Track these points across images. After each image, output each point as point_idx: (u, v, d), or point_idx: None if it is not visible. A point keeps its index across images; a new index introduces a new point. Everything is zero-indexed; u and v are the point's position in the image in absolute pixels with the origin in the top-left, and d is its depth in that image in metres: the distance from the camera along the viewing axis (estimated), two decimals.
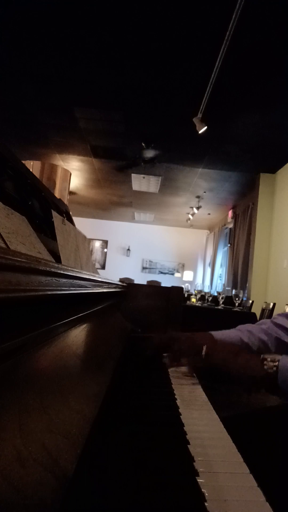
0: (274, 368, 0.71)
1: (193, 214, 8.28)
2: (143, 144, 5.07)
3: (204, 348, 0.82)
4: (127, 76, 3.58)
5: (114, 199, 8.46)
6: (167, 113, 4.26)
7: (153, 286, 2.13)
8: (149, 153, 5.22)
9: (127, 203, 8.72)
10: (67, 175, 5.52)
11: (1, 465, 0.27)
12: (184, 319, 1.82)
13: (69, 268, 0.57)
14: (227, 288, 7.20)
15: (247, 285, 6.07)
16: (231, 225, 7.80)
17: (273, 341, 0.96)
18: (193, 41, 3.00)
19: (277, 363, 0.71)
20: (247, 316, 3.21)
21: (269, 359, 0.72)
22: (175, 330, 1.47)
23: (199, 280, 10.29)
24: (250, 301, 4.30)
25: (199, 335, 0.95)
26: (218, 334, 0.97)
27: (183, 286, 2.45)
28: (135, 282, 6.16)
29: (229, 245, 7.93)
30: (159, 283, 9.01)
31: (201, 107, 3.76)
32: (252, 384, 0.74)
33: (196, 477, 0.42)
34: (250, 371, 0.74)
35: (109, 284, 1.09)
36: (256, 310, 4.06)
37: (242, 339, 0.96)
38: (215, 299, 3.66)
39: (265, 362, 0.72)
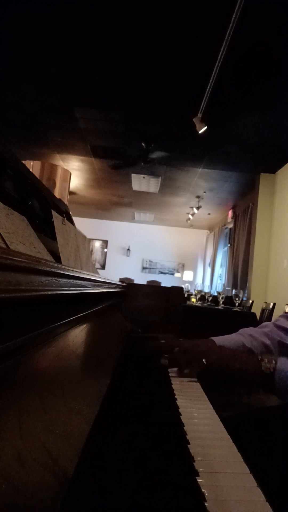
0: (272, 369, 0.74)
1: (193, 214, 8.28)
2: (143, 144, 5.07)
3: (204, 360, 0.84)
4: (127, 76, 3.58)
5: (114, 199, 8.46)
6: (167, 113, 4.26)
7: (153, 286, 2.13)
8: (149, 153, 5.22)
9: (127, 203, 8.71)
10: (67, 175, 5.51)
11: (1, 465, 0.27)
12: (184, 319, 1.82)
13: (69, 268, 0.57)
14: (227, 288, 7.20)
15: (247, 285, 6.07)
16: (231, 225, 7.80)
17: (276, 345, 0.96)
18: (193, 41, 3.00)
19: (274, 365, 0.75)
20: (247, 316, 3.21)
21: (266, 361, 0.76)
22: (175, 336, 1.47)
23: (199, 280, 10.29)
24: (250, 301, 4.30)
25: (200, 343, 0.93)
26: (220, 340, 0.96)
27: (183, 286, 2.45)
28: (135, 282, 6.17)
29: (229, 245, 7.93)
30: (159, 283, 9.02)
31: (201, 107, 3.76)
32: (251, 385, 0.77)
33: (196, 477, 0.42)
34: (249, 373, 0.77)
35: (109, 284, 1.09)
36: (256, 310, 4.06)
37: (245, 344, 0.95)
38: (215, 299, 3.66)
39: (262, 363, 0.76)
